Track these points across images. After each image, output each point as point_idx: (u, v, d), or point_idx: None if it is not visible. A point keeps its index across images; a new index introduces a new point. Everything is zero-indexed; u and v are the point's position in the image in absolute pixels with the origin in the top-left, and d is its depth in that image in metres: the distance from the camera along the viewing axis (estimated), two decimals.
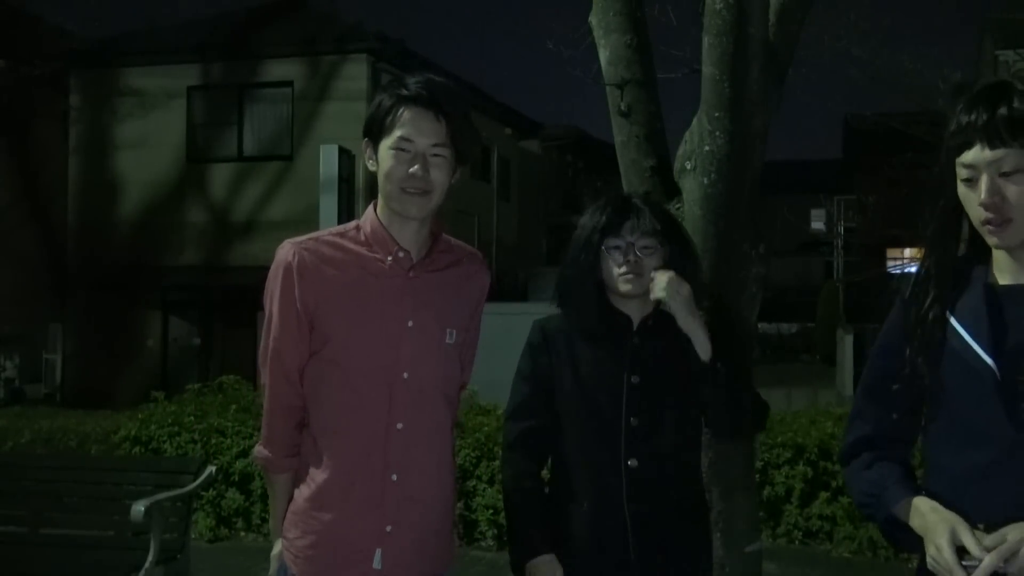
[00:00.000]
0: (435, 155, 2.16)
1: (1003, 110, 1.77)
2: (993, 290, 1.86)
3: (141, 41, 18.35)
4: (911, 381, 1.88)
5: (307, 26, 17.91)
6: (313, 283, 2.18)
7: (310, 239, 2.24)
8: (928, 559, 1.77)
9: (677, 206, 3.34)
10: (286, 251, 2.22)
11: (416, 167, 2.15)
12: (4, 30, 17.35)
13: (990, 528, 1.71)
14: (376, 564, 2.18)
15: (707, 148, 3.03)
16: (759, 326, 3.37)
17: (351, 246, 2.23)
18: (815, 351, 21.66)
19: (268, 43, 17.60)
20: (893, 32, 20.05)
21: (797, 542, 6.41)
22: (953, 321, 1.86)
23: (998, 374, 1.77)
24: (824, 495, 6.36)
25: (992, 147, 1.77)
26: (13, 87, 16.80)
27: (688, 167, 3.28)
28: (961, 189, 1.83)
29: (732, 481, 3.23)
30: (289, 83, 17.34)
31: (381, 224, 2.23)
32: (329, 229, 2.30)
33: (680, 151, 3.41)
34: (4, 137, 18.50)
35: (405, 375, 2.18)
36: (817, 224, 33.68)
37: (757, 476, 5.94)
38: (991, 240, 1.82)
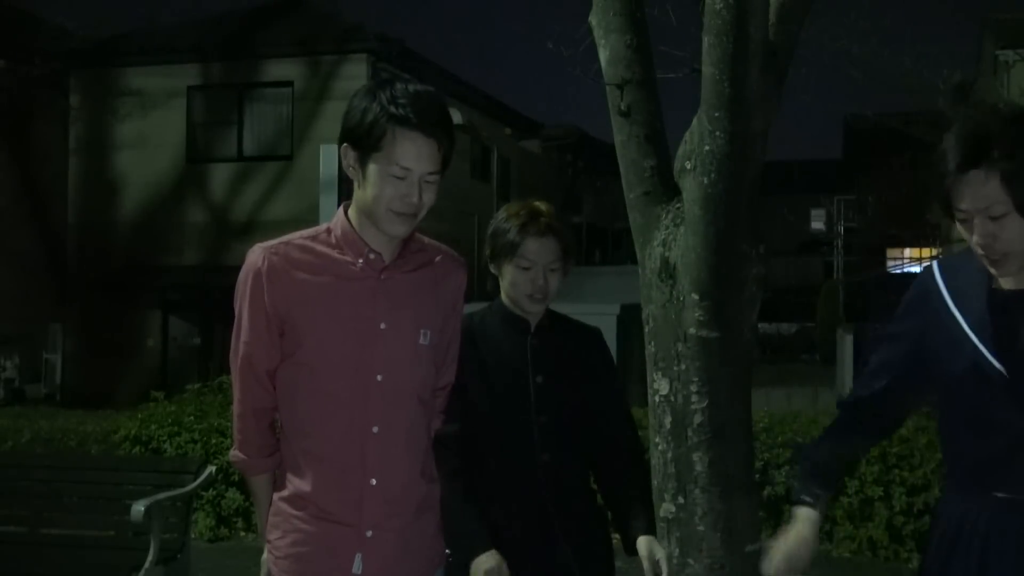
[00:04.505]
0: (428, 181, 2.14)
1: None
2: (996, 292, 1.96)
3: (141, 41, 18.33)
4: (910, 370, 2.10)
5: (307, 26, 17.90)
6: (283, 288, 2.17)
7: (280, 243, 2.22)
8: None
9: (677, 206, 3.34)
10: (256, 255, 2.20)
11: (411, 193, 2.12)
12: (4, 30, 17.34)
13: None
14: (356, 570, 2.17)
15: (707, 148, 3.03)
16: (759, 326, 3.38)
17: (322, 249, 2.21)
18: (815, 351, 21.65)
19: (268, 43, 17.59)
20: (893, 32, 20.00)
21: None
22: (962, 322, 1.98)
23: (1007, 375, 1.91)
24: None
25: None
26: (13, 87, 16.79)
27: (688, 167, 3.27)
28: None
29: (732, 481, 3.23)
30: (289, 83, 17.34)
31: (352, 226, 2.21)
32: (300, 232, 2.27)
33: (680, 151, 3.40)
34: (4, 137, 18.49)
35: (379, 378, 2.17)
36: (817, 224, 33.70)
37: (757, 476, 5.95)
38: (992, 269, 1.95)
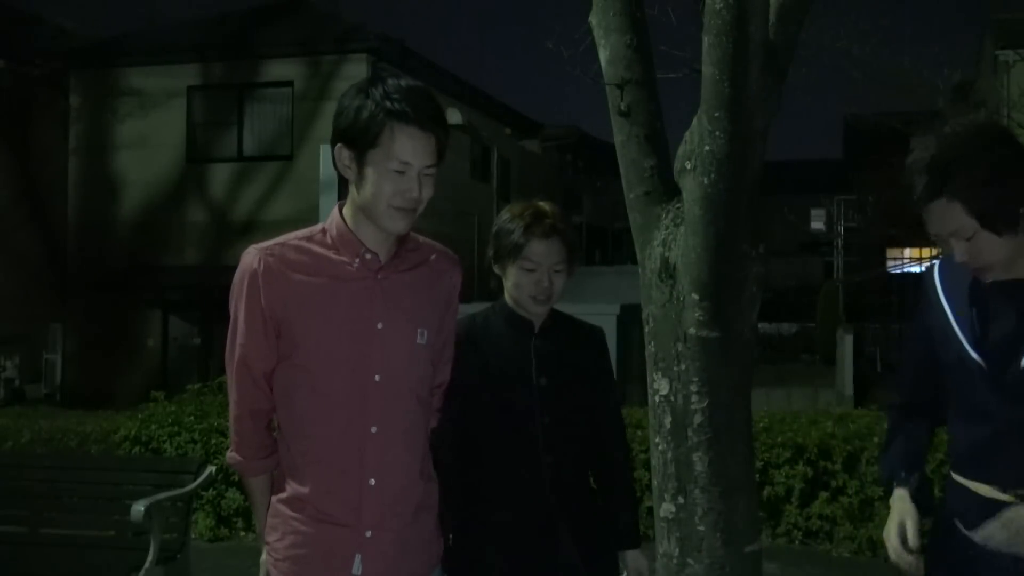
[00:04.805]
0: (427, 175, 2.15)
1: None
2: (979, 284, 2.06)
3: (141, 41, 18.35)
4: (931, 365, 2.19)
5: (307, 26, 17.90)
6: (279, 290, 2.16)
7: (276, 244, 2.21)
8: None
9: (677, 206, 3.34)
10: (251, 257, 2.19)
11: (411, 187, 2.13)
12: (4, 30, 17.34)
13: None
14: (356, 570, 2.17)
15: (707, 148, 3.03)
16: (759, 326, 3.38)
17: (317, 250, 2.20)
18: (815, 351, 21.64)
19: (268, 43, 17.59)
20: (893, 32, 20.06)
21: (797, 542, 6.40)
22: (950, 314, 2.09)
23: (985, 367, 2.01)
24: (824, 495, 6.35)
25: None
26: (13, 87, 16.79)
27: (688, 167, 3.27)
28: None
29: (732, 481, 3.23)
30: (289, 83, 17.34)
31: (347, 226, 2.20)
32: (295, 233, 2.26)
33: (680, 151, 3.40)
34: (4, 137, 18.49)
35: (377, 378, 2.17)
36: (817, 224, 33.70)
37: (757, 476, 5.95)
38: (981, 277, 2.05)
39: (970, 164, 1.91)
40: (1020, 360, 1.97)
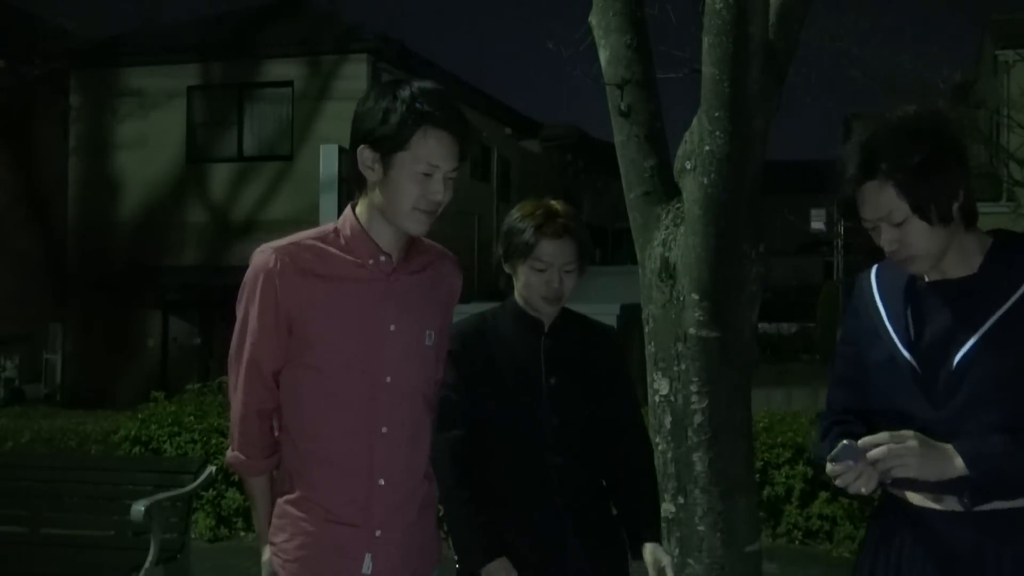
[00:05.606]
0: (450, 178, 2.16)
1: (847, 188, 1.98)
2: (915, 285, 2.05)
3: (141, 41, 18.34)
4: (860, 368, 2.14)
5: (307, 26, 17.90)
6: (294, 289, 2.16)
7: (290, 244, 2.20)
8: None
9: (677, 206, 3.34)
10: (266, 256, 2.18)
11: (437, 190, 2.13)
12: (4, 30, 17.34)
13: None
14: (366, 569, 2.18)
15: (707, 148, 3.03)
16: (759, 326, 3.38)
17: (331, 250, 2.20)
18: (815, 351, 21.63)
19: (268, 43, 17.59)
20: (893, 32, 20.09)
21: (797, 542, 6.41)
22: (883, 314, 2.08)
23: (918, 368, 1.99)
24: (824, 495, 6.35)
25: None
26: (13, 87, 16.79)
27: (688, 167, 3.28)
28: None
29: (732, 481, 3.24)
30: (289, 83, 17.34)
31: (361, 227, 2.21)
32: (306, 233, 2.25)
33: (680, 151, 3.41)
34: (4, 137, 18.49)
35: (388, 379, 2.18)
36: (817, 224, 33.65)
37: (757, 476, 5.95)
38: (905, 269, 2.03)
39: (904, 148, 1.91)
40: (952, 362, 1.95)
